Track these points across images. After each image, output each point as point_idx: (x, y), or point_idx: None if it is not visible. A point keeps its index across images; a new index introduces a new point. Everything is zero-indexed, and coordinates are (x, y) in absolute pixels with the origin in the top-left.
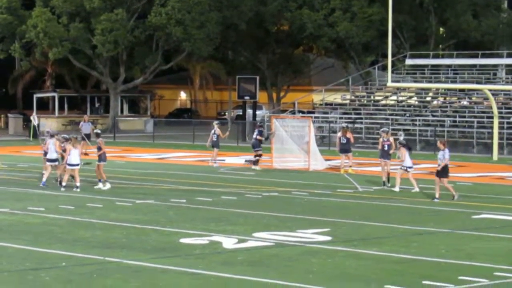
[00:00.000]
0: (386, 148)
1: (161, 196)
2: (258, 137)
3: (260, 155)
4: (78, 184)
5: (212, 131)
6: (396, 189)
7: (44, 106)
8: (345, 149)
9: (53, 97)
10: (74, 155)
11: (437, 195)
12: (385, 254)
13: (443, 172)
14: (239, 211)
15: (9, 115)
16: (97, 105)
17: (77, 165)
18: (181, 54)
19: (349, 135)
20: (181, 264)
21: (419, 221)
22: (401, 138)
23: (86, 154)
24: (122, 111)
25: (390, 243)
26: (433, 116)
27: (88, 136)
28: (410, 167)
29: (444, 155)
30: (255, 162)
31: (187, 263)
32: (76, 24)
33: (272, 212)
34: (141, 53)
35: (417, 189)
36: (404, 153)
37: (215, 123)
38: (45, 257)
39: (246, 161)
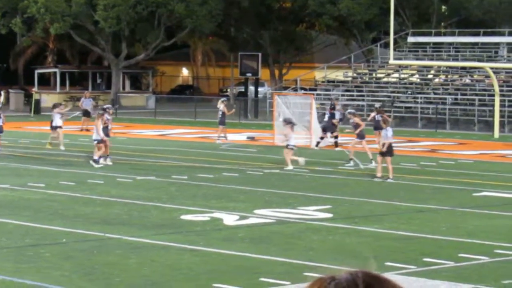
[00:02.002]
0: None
1: (163, 173)
2: (333, 120)
3: (336, 136)
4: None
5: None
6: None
7: (45, 82)
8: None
9: (55, 73)
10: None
11: (378, 174)
12: (385, 231)
13: (387, 152)
14: (241, 188)
15: (10, 90)
16: (98, 81)
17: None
18: (184, 30)
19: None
20: (182, 240)
21: (420, 198)
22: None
23: (87, 130)
24: (123, 87)
25: (391, 220)
26: (435, 94)
27: (88, 112)
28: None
29: (387, 134)
30: (336, 144)
31: (187, 240)
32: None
33: (273, 189)
34: (143, 29)
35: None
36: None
37: (221, 100)
38: (45, 233)
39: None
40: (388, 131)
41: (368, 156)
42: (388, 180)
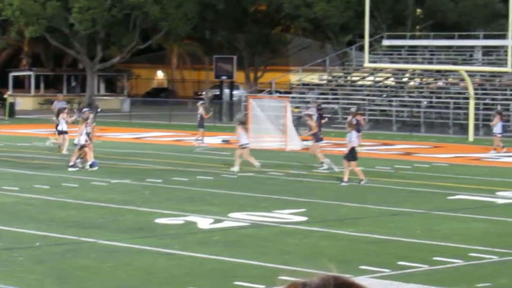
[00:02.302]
0: None
1: (137, 176)
2: (321, 121)
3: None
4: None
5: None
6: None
7: (20, 85)
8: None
9: (29, 76)
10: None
11: (345, 179)
12: (360, 234)
13: (350, 155)
14: (215, 191)
15: None
16: (73, 84)
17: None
18: (159, 33)
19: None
20: (157, 244)
21: (395, 202)
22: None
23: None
24: (98, 90)
25: (366, 223)
26: (410, 97)
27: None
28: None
29: (351, 138)
30: None
31: (162, 243)
32: (53, 2)
33: (248, 193)
34: (119, 32)
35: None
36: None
37: (199, 103)
38: (19, 237)
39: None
40: (352, 135)
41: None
42: (362, 183)
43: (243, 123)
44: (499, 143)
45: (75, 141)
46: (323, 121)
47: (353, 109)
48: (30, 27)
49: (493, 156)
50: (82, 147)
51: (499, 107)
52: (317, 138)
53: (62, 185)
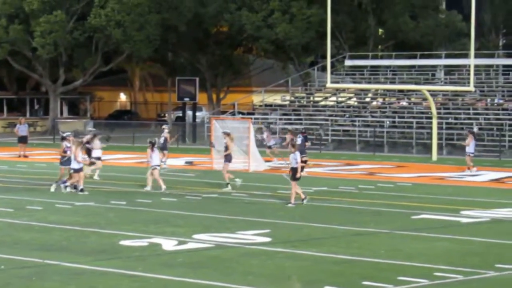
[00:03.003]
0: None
1: (101, 198)
2: (305, 143)
3: (305, 161)
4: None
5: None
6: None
7: None
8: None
9: None
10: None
11: (292, 200)
12: (325, 255)
13: (293, 176)
14: (179, 212)
15: None
16: (36, 107)
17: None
18: (121, 55)
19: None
20: (121, 266)
21: (359, 221)
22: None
23: (25, 156)
24: (62, 113)
25: (330, 243)
26: (373, 116)
27: (25, 138)
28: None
29: (295, 159)
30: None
31: (126, 265)
32: (16, 26)
33: (212, 214)
34: (81, 54)
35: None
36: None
37: (164, 126)
38: None
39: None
40: (296, 156)
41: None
42: (289, 205)
43: (152, 143)
44: (471, 162)
45: (71, 165)
46: (307, 143)
47: (290, 127)
48: None
49: (457, 175)
50: (78, 170)
51: (475, 128)
52: (228, 158)
53: (26, 207)
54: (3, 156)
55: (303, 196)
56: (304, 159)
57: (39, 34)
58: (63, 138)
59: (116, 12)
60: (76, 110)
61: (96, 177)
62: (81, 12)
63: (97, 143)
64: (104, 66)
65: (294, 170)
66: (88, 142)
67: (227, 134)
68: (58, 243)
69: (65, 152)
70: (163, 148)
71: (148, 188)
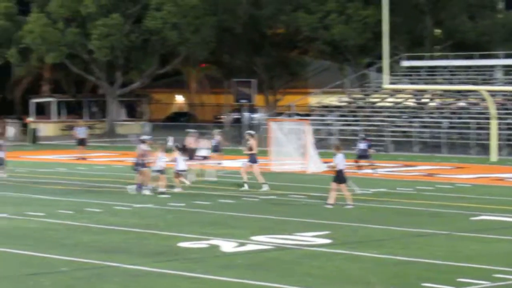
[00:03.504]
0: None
1: (160, 200)
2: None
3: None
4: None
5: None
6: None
7: (41, 112)
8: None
9: (51, 102)
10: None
11: (330, 201)
12: (384, 256)
13: (338, 178)
14: (238, 214)
15: (7, 120)
16: (94, 109)
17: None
18: (177, 58)
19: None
20: (179, 268)
21: (418, 223)
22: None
23: (83, 158)
24: (119, 116)
25: (389, 245)
26: (430, 117)
27: (83, 140)
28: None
29: (335, 161)
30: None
31: (185, 267)
32: (72, 29)
33: (270, 215)
34: (138, 57)
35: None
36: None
37: (216, 131)
38: (45, 262)
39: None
40: (337, 158)
41: (259, 181)
42: (347, 207)
43: (180, 149)
44: None
45: (154, 168)
46: (370, 150)
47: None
48: (51, 53)
49: None
50: (162, 172)
51: None
52: (253, 159)
53: (86, 210)
54: (62, 158)
55: (332, 202)
56: (364, 163)
57: (96, 37)
58: (142, 141)
59: (172, 15)
60: (133, 113)
61: (188, 181)
62: (138, 15)
63: (204, 142)
64: (161, 69)
65: (340, 173)
66: (183, 148)
67: (251, 135)
68: (117, 245)
69: (142, 155)
70: (216, 150)
71: (186, 183)
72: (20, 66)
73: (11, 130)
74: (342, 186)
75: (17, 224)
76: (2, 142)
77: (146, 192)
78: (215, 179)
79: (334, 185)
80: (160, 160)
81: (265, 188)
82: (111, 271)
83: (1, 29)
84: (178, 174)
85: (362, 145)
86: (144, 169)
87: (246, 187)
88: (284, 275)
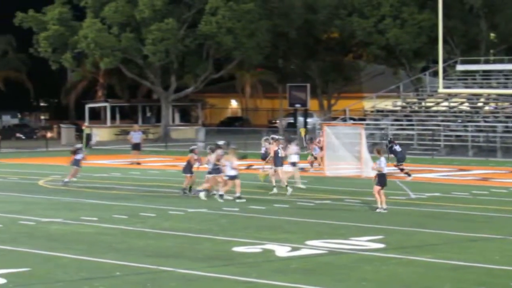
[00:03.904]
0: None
1: (214, 205)
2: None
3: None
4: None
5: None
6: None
7: (96, 116)
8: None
9: (105, 107)
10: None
11: (378, 205)
12: (438, 261)
13: (379, 181)
14: (292, 219)
15: (62, 125)
16: (148, 114)
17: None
18: (232, 62)
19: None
20: (234, 272)
21: (473, 227)
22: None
23: (138, 163)
24: (173, 120)
25: (444, 249)
26: (485, 122)
27: (138, 145)
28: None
29: (380, 164)
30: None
31: (240, 272)
32: (127, 34)
33: (324, 220)
34: (192, 62)
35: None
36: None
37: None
38: (99, 266)
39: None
40: (381, 162)
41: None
42: (378, 210)
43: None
44: None
45: (227, 173)
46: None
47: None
48: (105, 58)
49: None
50: (234, 177)
51: None
52: (277, 163)
53: (140, 214)
54: (116, 163)
55: (384, 206)
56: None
57: (150, 41)
58: (218, 147)
59: (227, 19)
60: (187, 117)
61: (300, 185)
62: (192, 20)
63: (293, 148)
64: (215, 73)
65: (381, 176)
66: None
67: (276, 140)
68: (171, 250)
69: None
70: (264, 157)
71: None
72: (75, 71)
73: (65, 135)
74: (378, 188)
75: (71, 229)
76: (79, 146)
77: (218, 197)
78: (303, 186)
79: (377, 188)
80: (233, 165)
81: (289, 190)
82: (165, 275)
83: (56, 34)
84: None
85: (397, 148)
86: (218, 174)
87: (275, 190)
88: (338, 279)
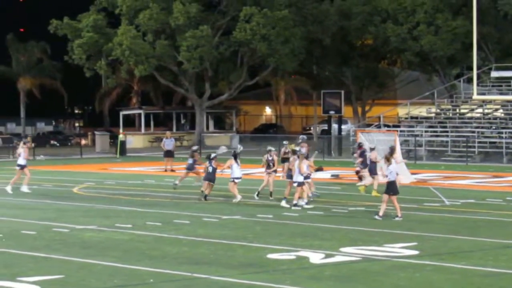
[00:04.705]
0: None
1: (248, 212)
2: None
3: None
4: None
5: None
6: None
7: (130, 123)
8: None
9: (139, 114)
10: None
11: (380, 213)
12: (473, 268)
13: (389, 189)
14: (326, 226)
15: (96, 132)
16: (182, 121)
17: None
18: (266, 69)
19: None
20: (269, 279)
21: (507, 234)
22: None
23: (172, 170)
24: (207, 127)
25: (478, 256)
26: None
27: (171, 152)
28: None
29: (390, 171)
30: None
31: (274, 279)
32: (162, 41)
33: (359, 227)
34: (226, 69)
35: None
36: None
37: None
38: (133, 273)
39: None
40: (390, 168)
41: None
42: (396, 219)
43: (236, 156)
44: None
45: (294, 179)
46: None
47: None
48: (140, 66)
49: None
50: (301, 184)
51: None
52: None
53: (174, 221)
54: (150, 170)
55: (399, 214)
56: None
57: (185, 48)
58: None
59: (261, 26)
60: (222, 124)
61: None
62: (227, 27)
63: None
64: (250, 80)
65: (392, 184)
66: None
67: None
68: (206, 257)
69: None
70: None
71: (238, 199)
72: (110, 79)
73: (100, 142)
74: (394, 197)
75: (106, 236)
76: (195, 148)
77: (302, 203)
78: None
79: (386, 197)
80: (304, 169)
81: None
82: (200, 282)
83: (91, 41)
84: (234, 182)
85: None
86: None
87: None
88: (373, 286)
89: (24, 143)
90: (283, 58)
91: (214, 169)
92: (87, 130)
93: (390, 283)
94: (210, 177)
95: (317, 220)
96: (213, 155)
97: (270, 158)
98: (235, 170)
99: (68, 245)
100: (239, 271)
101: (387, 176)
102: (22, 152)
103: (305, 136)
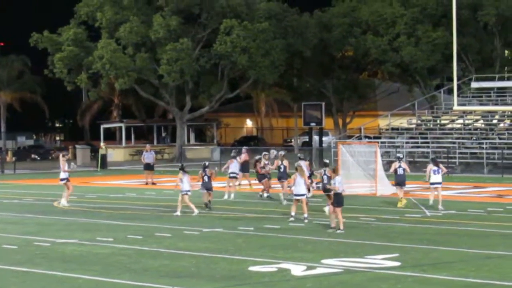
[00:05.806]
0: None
1: (229, 224)
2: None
3: None
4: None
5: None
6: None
7: (111, 137)
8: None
9: (120, 127)
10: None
11: (332, 225)
12: (454, 278)
13: (335, 201)
14: (308, 238)
15: (77, 146)
16: (163, 134)
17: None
18: (247, 82)
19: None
20: None
21: (488, 244)
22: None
23: (153, 183)
24: (188, 140)
25: (460, 267)
26: (500, 138)
27: (150, 165)
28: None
29: (335, 184)
30: None
31: None
32: (142, 54)
33: (340, 239)
34: (207, 81)
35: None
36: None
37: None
38: (115, 287)
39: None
40: (336, 181)
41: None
42: (329, 230)
43: (184, 169)
44: None
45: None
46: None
47: (281, 152)
48: (120, 79)
49: None
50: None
51: None
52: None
53: (155, 234)
54: (131, 183)
55: (336, 226)
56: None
57: (165, 61)
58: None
59: (242, 39)
60: (202, 137)
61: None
62: (207, 40)
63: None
64: (230, 93)
65: (337, 196)
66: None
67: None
68: (187, 270)
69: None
70: (281, 177)
71: (178, 213)
72: (90, 92)
73: (81, 155)
74: (338, 209)
75: (87, 250)
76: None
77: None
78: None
79: (331, 208)
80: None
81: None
82: None
83: (71, 55)
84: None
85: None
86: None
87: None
88: None
89: (63, 156)
90: (263, 70)
91: (209, 178)
92: (68, 143)
93: None
94: (208, 186)
95: (298, 232)
96: (207, 163)
97: (266, 163)
98: (185, 183)
99: (49, 259)
100: (221, 284)
101: (340, 188)
102: (61, 165)
103: (275, 151)
